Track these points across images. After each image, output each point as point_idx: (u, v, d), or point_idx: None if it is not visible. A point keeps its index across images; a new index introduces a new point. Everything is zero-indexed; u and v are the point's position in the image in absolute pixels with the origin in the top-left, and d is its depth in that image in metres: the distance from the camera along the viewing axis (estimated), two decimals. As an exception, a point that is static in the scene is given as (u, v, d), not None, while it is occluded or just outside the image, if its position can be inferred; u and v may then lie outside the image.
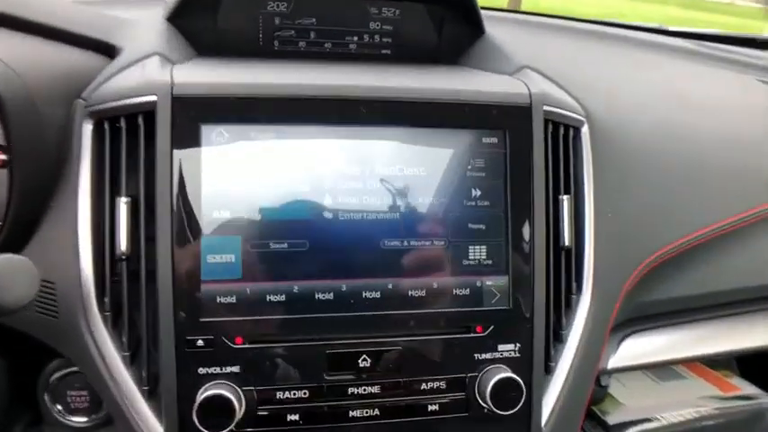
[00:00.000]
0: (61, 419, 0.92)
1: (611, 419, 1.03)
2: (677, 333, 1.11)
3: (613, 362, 0.92)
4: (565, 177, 0.88)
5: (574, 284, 0.88)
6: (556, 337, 0.82)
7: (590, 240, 0.86)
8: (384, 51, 1.01)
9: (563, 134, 0.87)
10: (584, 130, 0.90)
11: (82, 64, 0.87)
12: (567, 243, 0.85)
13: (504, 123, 0.82)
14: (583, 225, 0.85)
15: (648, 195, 0.89)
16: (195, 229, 0.75)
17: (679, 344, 1.10)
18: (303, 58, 0.88)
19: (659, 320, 1.09)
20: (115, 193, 0.78)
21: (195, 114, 0.75)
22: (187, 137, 0.75)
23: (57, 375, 0.84)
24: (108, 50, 0.89)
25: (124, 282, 0.77)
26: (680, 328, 1.10)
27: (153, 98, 0.76)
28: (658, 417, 1.03)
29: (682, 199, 0.91)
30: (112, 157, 0.79)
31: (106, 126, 0.79)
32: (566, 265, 0.87)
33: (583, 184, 0.83)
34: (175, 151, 0.75)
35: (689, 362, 1.21)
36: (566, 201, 0.82)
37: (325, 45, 1.00)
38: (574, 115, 0.82)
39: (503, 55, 0.95)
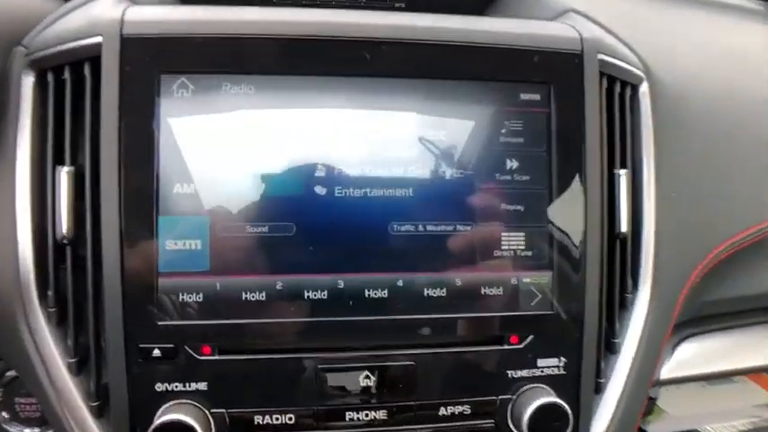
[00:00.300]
0: (9, 429, 0.66)
1: (653, 430, 0.75)
2: (738, 337, 0.82)
3: (667, 371, 0.66)
4: (621, 147, 0.59)
5: (629, 281, 0.60)
6: (607, 346, 0.63)
7: (650, 226, 0.67)
8: (398, 4, 0.73)
9: (618, 92, 0.58)
10: (644, 88, 0.62)
11: (29, 7, 0.60)
12: (623, 229, 0.59)
13: (549, 75, 0.56)
14: (641, 207, 0.66)
15: (717, 173, 0.70)
16: (149, 208, 0.51)
17: (740, 350, 0.81)
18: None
19: (717, 322, 0.81)
20: (57, 162, 0.51)
21: (151, 60, 0.52)
22: (141, 90, 0.55)
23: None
24: (61, -9, 0.63)
25: (68, 271, 0.52)
26: (742, 331, 0.82)
27: (98, 39, 0.51)
28: (707, 428, 0.87)
29: (755, 178, 0.71)
30: (56, 116, 0.52)
31: (50, 78, 0.59)
32: (620, 256, 0.59)
33: (641, 156, 0.55)
34: (126, 107, 0.53)
35: (756, 372, 0.93)
36: (623, 176, 0.56)
37: (331, -6, 0.73)
38: (632, 69, 0.55)
39: (542, 1, 0.67)
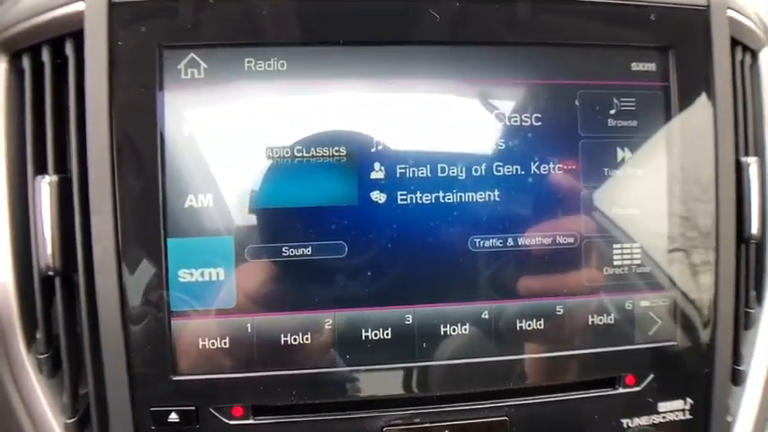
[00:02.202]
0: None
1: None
2: None
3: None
4: (744, 129, 0.38)
5: (753, 294, 0.39)
6: (732, 377, 0.34)
7: None
8: None
9: (740, 60, 0.38)
10: (765, 54, 0.40)
11: None
12: (754, 231, 0.37)
13: (668, 38, 0.34)
14: (766, 204, 0.43)
15: None
16: (155, 228, 0.32)
17: None
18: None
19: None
20: (39, 170, 0.34)
21: (149, 31, 0.33)
22: (138, 71, 0.38)
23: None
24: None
25: (60, 311, 0.33)
26: None
27: (80, 6, 0.33)
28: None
29: None
30: (36, 111, 0.36)
31: (25, 63, 0.41)
32: (746, 265, 0.38)
33: (765, 140, 0.31)
34: (119, 95, 0.35)
35: None
36: (753, 166, 0.32)
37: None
38: (757, 30, 0.30)
39: None
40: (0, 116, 0.42)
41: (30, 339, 0.42)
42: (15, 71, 0.43)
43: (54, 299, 0.42)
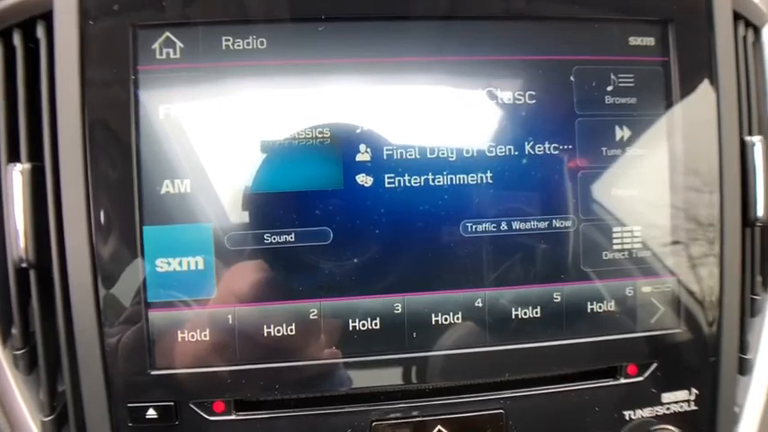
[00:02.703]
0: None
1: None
2: None
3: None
4: (748, 107, 0.36)
5: (758, 280, 0.37)
6: (738, 366, 0.37)
7: None
8: None
9: (742, 36, 0.35)
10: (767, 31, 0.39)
11: None
12: (760, 214, 0.34)
13: (667, 10, 0.30)
14: None
15: None
16: (130, 215, 0.28)
17: None
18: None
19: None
20: (11, 158, 0.33)
21: (121, 8, 0.29)
22: (110, 51, 0.35)
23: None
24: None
25: (35, 304, 0.32)
26: None
27: None
28: None
29: None
30: (8, 97, 0.36)
31: None
32: (751, 250, 0.36)
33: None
34: (90, 78, 0.31)
35: None
36: (758, 145, 0.30)
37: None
38: (759, 4, 0.27)
39: None
40: (-29, 102, 0.40)
41: (5, 335, 0.40)
42: (-13, 57, 0.41)
43: (29, 293, 0.40)
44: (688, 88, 0.40)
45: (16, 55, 0.39)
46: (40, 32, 0.38)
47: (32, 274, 0.39)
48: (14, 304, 0.39)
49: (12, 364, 0.40)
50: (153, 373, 0.36)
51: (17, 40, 0.39)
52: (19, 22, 0.39)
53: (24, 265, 0.38)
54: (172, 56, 0.36)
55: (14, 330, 0.40)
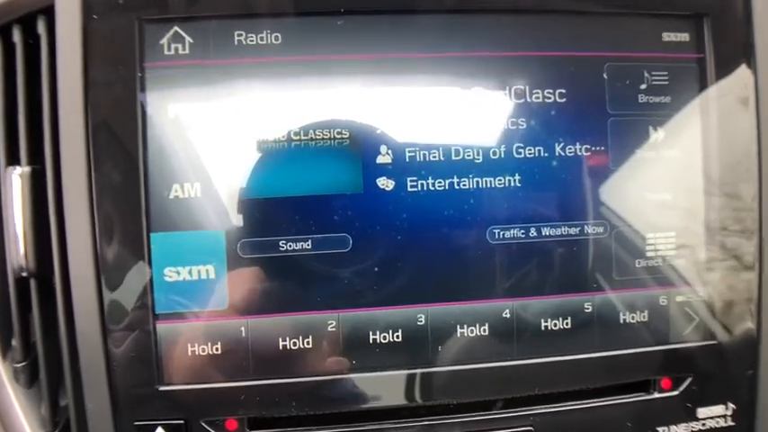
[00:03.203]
0: None
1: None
2: None
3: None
4: None
5: None
6: None
7: None
8: None
9: None
10: None
11: None
12: None
13: (702, 5, 0.28)
14: None
15: None
16: (136, 222, 0.26)
17: None
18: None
19: None
20: (10, 161, 0.33)
21: (128, 4, 0.29)
22: (115, 47, 0.33)
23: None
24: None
25: (36, 315, 0.31)
26: None
27: None
28: None
29: None
30: (7, 97, 0.35)
31: None
32: None
33: None
34: (94, 76, 0.30)
35: None
36: None
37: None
38: None
39: None
40: (-31, 102, 0.38)
41: (5, 347, 0.38)
42: (-15, 54, 0.39)
43: (29, 303, 0.38)
44: (724, 86, 0.37)
45: (15, 52, 0.37)
46: (41, 28, 0.36)
47: (33, 283, 0.36)
48: (15, 315, 0.37)
49: (12, 378, 0.38)
50: (161, 388, 0.33)
51: (17, 36, 0.37)
52: (18, 18, 0.37)
53: (25, 273, 0.36)
54: (180, 52, 0.34)
55: (14, 342, 0.38)
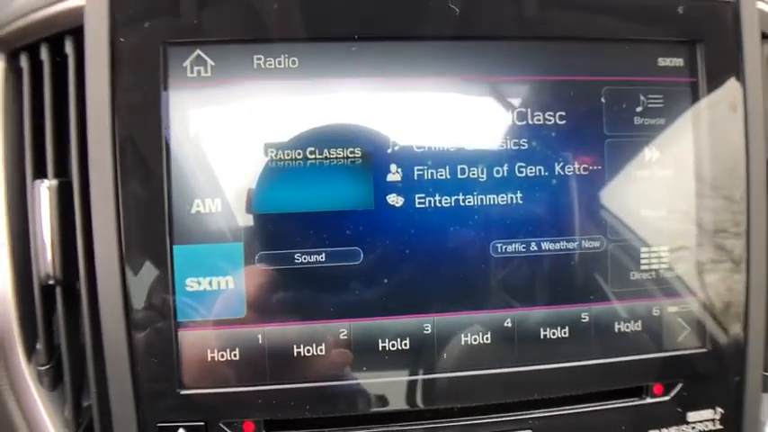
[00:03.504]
0: None
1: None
2: None
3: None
4: None
5: None
6: (764, 384, 0.40)
7: None
8: None
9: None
10: None
11: None
12: None
13: (696, 31, 0.31)
14: None
15: None
16: (160, 234, 0.29)
17: None
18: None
19: None
20: (38, 174, 0.32)
21: (152, 26, 0.30)
22: (141, 68, 0.35)
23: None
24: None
25: (61, 321, 0.31)
26: None
27: (80, 2, 0.32)
28: None
29: None
30: (35, 112, 0.33)
31: (23, 62, 0.40)
32: None
33: None
34: (121, 95, 0.32)
35: None
36: None
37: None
38: None
39: None
40: (-3, 117, 0.40)
41: (30, 350, 0.40)
42: (13, 71, 0.41)
43: (55, 308, 0.40)
44: (716, 108, 0.39)
45: (42, 69, 0.39)
46: (69, 48, 0.38)
47: (59, 290, 0.38)
48: (40, 321, 0.39)
49: (36, 380, 0.40)
50: (182, 392, 0.35)
51: (44, 54, 0.39)
52: (46, 37, 0.39)
53: (51, 281, 0.38)
54: (203, 74, 0.36)
55: (39, 346, 0.40)
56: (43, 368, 0.39)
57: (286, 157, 0.36)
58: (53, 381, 0.40)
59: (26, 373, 0.40)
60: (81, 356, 0.39)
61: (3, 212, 0.40)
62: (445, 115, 0.37)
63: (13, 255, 0.40)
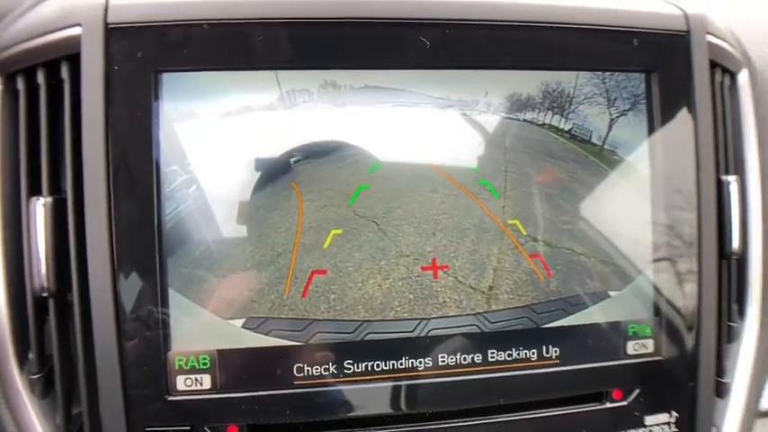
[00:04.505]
0: None
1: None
2: None
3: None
4: (725, 149, 0.40)
5: (735, 308, 0.41)
6: (716, 389, 0.38)
7: (757, 243, 0.50)
8: None
9: (719, 82, 0.40)
10: (743, 77, 0.42)
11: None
12: (735, 248, 0.40)
13: (650, 61, 0.35)
14: (747, 220, 0.49)
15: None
16: (150, 248, 0.30)
17: None
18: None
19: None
20: (33, 192, 0.36)
21: (145, 55, 0.36)
22: (134, 94, 0.38)
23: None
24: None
25: (53, 332, 0.35)
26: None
27: (76, 31, 0.36)
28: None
29: None
30: (30, 133, 0.39)
31: (20, 84, 0.42)
32: (728, 280, 0.40)
33: (744, 159, 0.44)
34: (115, 118, 0.37)
35: None
36: (733, 184, 0.34)
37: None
38: (734, 53, 0.32)
39: None
40: (-7, 137, 0.43)
41: (22, 360, 0.42)
42: (9, 92, 0.43)
43: (45, 320, 0.42)
44: (669, 133, 0.43)
45: (37, 90, 0.42)
46: (65, 73, 0.41)
47: (51, 302, 0.41)
48: (32, 332, 0.42)
49: (28, 389, 0.42)
50: (169, 398, 0.38)
51: (41, 79, 0.42)
52: (43, 62, 0.42)
53: (45, 294, 0.40)
54: (194, 100, 0.39)
55: (31, 356, 0.42)
56: (35, 377, 0.42)
57: (271, 180, 0.39)
58: (44, 389, 0.42)
59: (18, 382, 0.42)
60: (71, 365, 0.42)
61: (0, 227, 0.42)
62: (412, 142, 0.40)
63: (6, 267, 0.42)
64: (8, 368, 0.42)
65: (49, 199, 0.40)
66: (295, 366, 0.38)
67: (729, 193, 0.47)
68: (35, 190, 0.41)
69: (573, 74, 0.41)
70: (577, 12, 0.42)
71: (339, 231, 0.38)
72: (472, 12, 0.40)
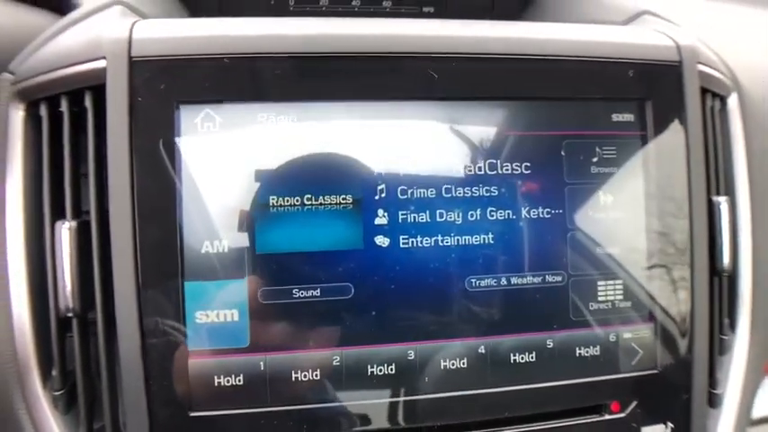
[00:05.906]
0: None
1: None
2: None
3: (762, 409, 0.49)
4: (716, 171, 0.44)
5: (726, 322, 0.44)
6: (709, 400, 0.43)
7: (747, 260, 0.53)
8: (426, 9, 0.57)
9: (710, 107, 0.43)
10: (733, 101, 0.46)
11: (17, 24, 0.43)
12: (726, 265, 0.42)
13: (645, 90, 0.39)
14: (737, 239, 0.53)
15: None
16: (173, 272, 0.35)
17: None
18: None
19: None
20: (57, 216, 0.39)
21: (167, 88, 0.38)
22: (156, 124, 0.41)
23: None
24: (59, 4, 0.46)
25: (77, 349, 0.38)
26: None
27: (101, 64, 0.39)
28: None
29: None
30: (53, 158, 0.41)
31: (43, 112, 0.45)
32: (719, 296, 0.43)
33: (735, 180, 0.41)
34: (138, 147, 0.40)
35: None
36: (723, 204, 0.37)
37: (353, 2, 0.56)
38: (724, 79, 0.36)
39: (605, 3, 0.51)
40: (17, 163, 0.45)
41: (45, 377, 0.45)
42: (32, 118, 0.46)
43: (67, 338, 0.45)
44: (662, 157, 0.47)
45: (59, 117, 0.44)
46: (88, 102, 0.43)
47: (75, 322, 0.44)
48: (55, 349, 0.44)
49: (51, 405, 0.45)
50: (192, 414, 0.41)
51: (65, 107, 0.44)
52: (66, 91, 0.45)
53: (70, 314, 0.43)
54: (211, 129, 0.41)
55: (54, 372, 0.45)
56: (58, 393, 0.44)
57: (286, 203, 0.42)
58: (67, 405, 0.44)
59: (42, 398, 0.44)
60: (93, 382, 0.45)
61: (23, 250, 0.45)
62: (426, 166, 0.43)
63: (31, 288, 0.45)
64: (32, 385, 0.44)
65: (74, 223, 0.43)
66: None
67: (720, 213, 0.50)
68: (59, 213, 0.44)
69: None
70: (577, 45, 0.45)
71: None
72: (470, 45, 0.43)
